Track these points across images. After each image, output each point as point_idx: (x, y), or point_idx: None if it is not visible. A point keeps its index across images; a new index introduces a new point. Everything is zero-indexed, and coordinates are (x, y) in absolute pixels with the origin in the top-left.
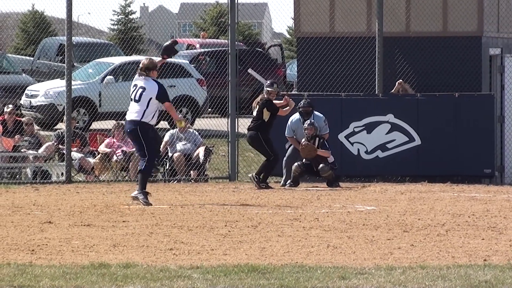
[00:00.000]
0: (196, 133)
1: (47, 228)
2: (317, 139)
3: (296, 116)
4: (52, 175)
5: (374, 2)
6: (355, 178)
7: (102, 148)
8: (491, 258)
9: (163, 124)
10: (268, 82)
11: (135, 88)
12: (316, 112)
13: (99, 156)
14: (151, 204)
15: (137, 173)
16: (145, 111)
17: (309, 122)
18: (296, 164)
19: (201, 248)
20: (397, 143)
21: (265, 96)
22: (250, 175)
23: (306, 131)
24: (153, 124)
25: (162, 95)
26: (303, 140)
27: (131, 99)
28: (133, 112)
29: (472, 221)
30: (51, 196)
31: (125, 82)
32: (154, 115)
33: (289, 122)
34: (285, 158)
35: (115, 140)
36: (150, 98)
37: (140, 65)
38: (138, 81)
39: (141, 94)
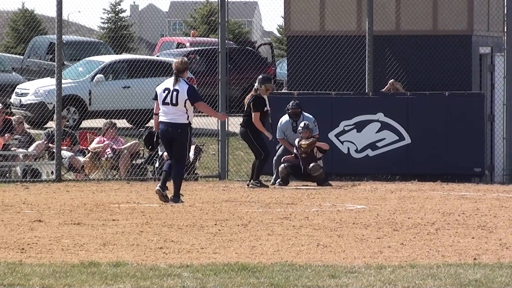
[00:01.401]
0: None
1: (37, 226)
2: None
3: (285, 117)
4: (42, 173)
5: (364, 0)
6: (345, 176)
7: (94, 145)
8: (481, 257)
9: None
10: (261, 77)
11: (168, 92)
12: (305, 113)
13: (89, 154)
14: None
15: (172, 177)
16: (187, 113)
17: (303, 125)
18: (282, 165)
19: (191, 247)
20: (387, 142)
21: (257, 92)
22: (248, 186)
23: (301, 135)
24: None
25: (192, 95)
26: (298, 140)
27: (166, 103)
28: (175, 115)
29: (462, 219)
30: (41, 194)
31: (115, 80)
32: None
33: (279, 124)
34: (275, 158)
35: (105, 139)
36: (186, 100)
37: (173, 67)
38: (169, 84)
39: (177, 97)
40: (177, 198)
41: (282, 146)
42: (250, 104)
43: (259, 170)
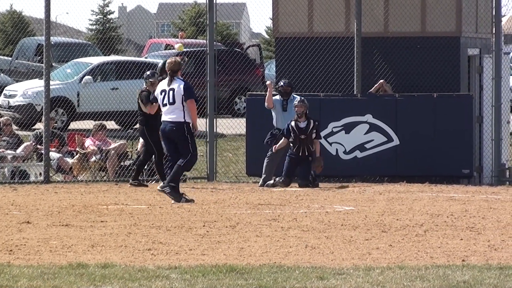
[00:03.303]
0: None
1: (25, 228)
2: (312, 122)
3: (276, 98)
4: (30, 175)
5: (353, 2)
6: (333, 178)
7: (90, 146)
8: (469, 258)
9: None
10: (149, 72)
11: (165, 93)
12: (295, 95)
13: (77, 156)
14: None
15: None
16: (184, 110)
17: (299, 99)
18: (280, 182)
19: (179, 248)
20: (376, 143)
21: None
22: (130, 183)
23: (296, 109)
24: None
25: (187, 91)
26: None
27: (165, 104)
28: (173, 114)
29: (450, 221)
30: (29, 196)
31: (103, 82)
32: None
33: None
34: (266, 160)
35: (95, 140)
36: (182, 96)
37: (166, 68)
38: (164, 85)
39: (173, 96)
40: (170, 187)
41: (273, 148)
42: (138, 101)
43: (139, 169)
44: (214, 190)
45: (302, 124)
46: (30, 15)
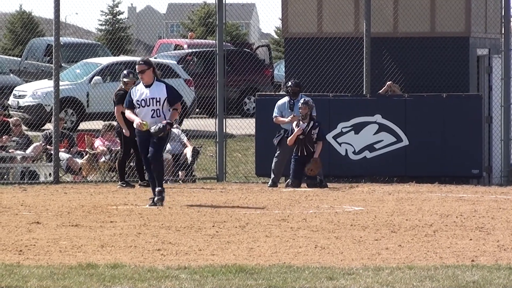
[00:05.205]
0: (177, 131)
1: (35, 228)
2: (312, 122)
3: (284, 99)
4: (40, 175)
5: (362, 2)
6: (342, 178)
7: (99, 146)
8: (478, 258)
9: None
10: (125, 71)
11: None
12: (303, 95)
13: (86, 156)
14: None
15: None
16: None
17: (302, 101)
18: (290, 184)
19: (188, 249)
20: (385, 144)
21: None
22: (118, 185)
23: (300, 110)
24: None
25: None
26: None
27: None
28: None
29: (460, 221)
30: (39, 196)
31: (112, 82)
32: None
33: (277, 104)
34: (275, 160)
35: (105, 141)
36: None
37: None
38: None
39: None
40: None
41: (282, 148)
42: (113, 99)
43: (121, 170)
44: (224, 191)
45: (303, 125)
46: (39, 15)
